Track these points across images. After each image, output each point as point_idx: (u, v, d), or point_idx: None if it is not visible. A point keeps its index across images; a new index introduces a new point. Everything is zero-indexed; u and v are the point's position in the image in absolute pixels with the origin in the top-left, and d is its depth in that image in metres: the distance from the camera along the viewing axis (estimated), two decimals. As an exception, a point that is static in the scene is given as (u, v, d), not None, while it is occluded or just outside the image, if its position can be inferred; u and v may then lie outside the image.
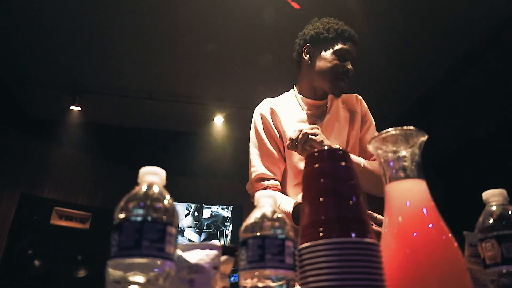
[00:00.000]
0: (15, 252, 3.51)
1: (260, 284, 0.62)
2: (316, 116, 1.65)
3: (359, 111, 1.72)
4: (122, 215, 0.55)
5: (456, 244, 0.67)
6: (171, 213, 0.57)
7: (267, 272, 0.61)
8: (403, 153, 0.72)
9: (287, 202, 1.48)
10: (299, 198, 1.52)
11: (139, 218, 0.54)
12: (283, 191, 1.62)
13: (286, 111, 1.65)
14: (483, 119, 3.53)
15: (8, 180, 4.13)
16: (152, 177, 0.60)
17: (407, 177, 0.71)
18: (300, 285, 0.61)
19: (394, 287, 0.62)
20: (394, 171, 0.73)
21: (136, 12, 3.32)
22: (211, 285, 0.65)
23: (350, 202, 0.62)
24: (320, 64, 1.62)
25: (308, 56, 1.67)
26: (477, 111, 3.56)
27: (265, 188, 1.55)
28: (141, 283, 0.52)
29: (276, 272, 0.61)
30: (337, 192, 0.63)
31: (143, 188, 0.58)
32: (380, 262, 0.59)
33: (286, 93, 1.78)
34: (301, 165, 1.54)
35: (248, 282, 0.63)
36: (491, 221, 0.72)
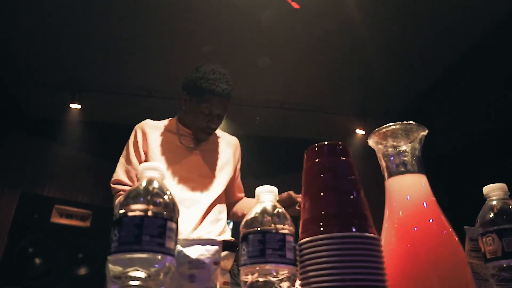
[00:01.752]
0: (15, 251, 3.52)
1: (261, 279, 0.62)
2: (189, 143, 1.81)
3: (235, 156, 1.91)
4: (122, 211, 0.55)
5: (456, 239, 0.67)
6: (172, 208, 0.57)
7: (268, 267, 0.61)
8: (404, 147, 0.72)
9: None
10: None
11: (139, 213, 0.53)
12: None
13: (159, 134, 1.80)
14: (485, 114, 3.52)
15: (8, 179, 4.13)
16: (152, 172, 0.59)
17: (407, 171, 0.71)
18: (301, 280, 0.61)
19: (395, 281, 0.61)
20: (394, 165, 0.73)
21: (136, 10, 3.31)
22: (212, 281, 0.65)
23: (351, 197, 0.62)
24: (189, 113, 1.78)
25: (183, 101, 1.81)
26: (479, 106, 3.55)
27: (119, 191, 1.71)
28: (141, 278, 0.51)
29: (277, 267, 0.61)
30: (337, 187, 0.63)
31: (143, 183, 0.58)
32: (380, 257, 0.59)
33: (171, 118, 1.93)
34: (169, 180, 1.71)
35: (249, 277, 0.63)
36: (491, 215, 0.72)
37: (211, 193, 1.73)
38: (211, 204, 1.70)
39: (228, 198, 1.87)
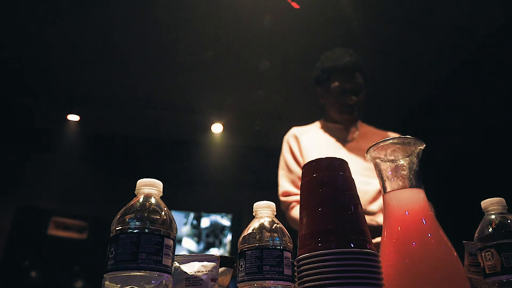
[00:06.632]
0: (11, 264, 3.49)
1: (258, 296, 0.61)
2: (339, 139, 1.74)
3: None
4: (118, 228, 0.54)
5: (455, 253, 0.67)
6: (169, 225, 0.56)
7: (266, 284, 0.60)
8: (401, 162, 0.72)
9: None
10: None
11: (135, 231, 0.53)
12: None
13: (310, 137, 1.75)
14: (484, 127, 3.52)
15: (4, 191, 4.11)
16: (149, 189, 0.59)
17: (405, 186, 0.71)
18: (299, 296, 0.60)
19: (394, 298, 0.61)
20: (392, 180, 0.72)
21: (133, 21, 3.33)
22: (209, 297, 0.64)
23: (349, 212, 0.62)
24: (327, 102, 1.75)
25: (319, 96, 1.80)
26: (478, 117, 3.55)
27: (292, 202, 1.60)
28: (138, 297, 0.51)
29: (275, 283, 0.61)
30: (336, 202, 0.63)
31: (140, 199, 0.58)
32: (379, 273, 0.59)
33: (316, 122, 1.87)
34: None
35: (247, 294, 0.63)
36: (490, 230, 0.72)
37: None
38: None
39: None
